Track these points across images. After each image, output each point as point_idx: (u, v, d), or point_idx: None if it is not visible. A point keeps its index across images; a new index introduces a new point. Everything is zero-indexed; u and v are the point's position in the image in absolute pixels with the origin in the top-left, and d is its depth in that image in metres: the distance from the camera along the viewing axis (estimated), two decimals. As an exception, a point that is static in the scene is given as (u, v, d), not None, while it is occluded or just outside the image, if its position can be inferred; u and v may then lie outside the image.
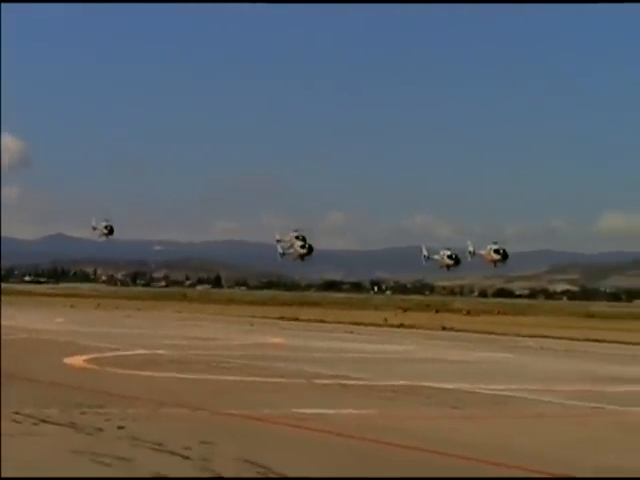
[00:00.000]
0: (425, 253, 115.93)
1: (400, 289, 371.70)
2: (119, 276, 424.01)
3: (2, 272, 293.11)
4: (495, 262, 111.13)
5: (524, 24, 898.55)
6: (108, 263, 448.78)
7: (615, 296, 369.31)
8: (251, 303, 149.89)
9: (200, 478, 11.87)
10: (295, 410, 22.18)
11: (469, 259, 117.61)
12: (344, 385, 29.18)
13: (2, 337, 41.63)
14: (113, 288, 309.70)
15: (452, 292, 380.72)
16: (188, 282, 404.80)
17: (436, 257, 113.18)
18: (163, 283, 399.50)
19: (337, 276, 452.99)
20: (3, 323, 53.03)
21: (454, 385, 30.08)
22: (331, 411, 22.46)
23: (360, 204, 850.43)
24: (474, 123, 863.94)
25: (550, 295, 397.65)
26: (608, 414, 24.66)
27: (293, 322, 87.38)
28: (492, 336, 71.41)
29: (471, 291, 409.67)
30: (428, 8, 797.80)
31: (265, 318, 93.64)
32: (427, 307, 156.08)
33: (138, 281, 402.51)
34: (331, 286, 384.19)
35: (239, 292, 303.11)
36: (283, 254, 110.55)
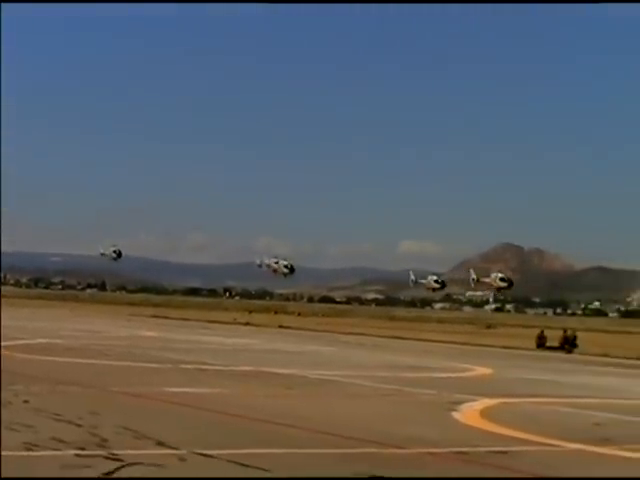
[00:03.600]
0: (412, 277, 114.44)
1: (247, 295, 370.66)
2: (24, 280, 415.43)
3: None
4: (500, 289, 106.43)
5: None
6: (15, 269, 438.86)
7: (412, 303, 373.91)
8: (129, 304, 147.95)
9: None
10: (165, 389, 21.99)
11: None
12: (203, 369, 29.02)
13: None
14: (19, 290, 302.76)
15: (287, 298, 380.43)
16: (80, 286, 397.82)
17: (423, 281, 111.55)
18: (60, 287, 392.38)
19: (197, 284, 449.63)
20: None
21: (289, 371, 30.14)
22: (193, 390, 22.32)
23: (217, 225, 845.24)
24: (301, 150, 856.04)
25: (362, 302, 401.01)
26: (406, 394, 24.94)
27: (163, 319, 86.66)
28: (318, 333, 71.81)
29: (301, 297, 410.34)
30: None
31: (140, 316, 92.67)
32: (268, 309, 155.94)
33: (39, 284, 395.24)
34: (192, 292, 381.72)
35: (120, 295, 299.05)
36: (273, 270, 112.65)
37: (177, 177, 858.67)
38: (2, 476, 10.98)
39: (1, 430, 14.19)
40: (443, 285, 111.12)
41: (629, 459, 15.55)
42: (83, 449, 13.15)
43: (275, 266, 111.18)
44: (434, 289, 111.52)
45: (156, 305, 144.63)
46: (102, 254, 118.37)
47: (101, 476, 11.46)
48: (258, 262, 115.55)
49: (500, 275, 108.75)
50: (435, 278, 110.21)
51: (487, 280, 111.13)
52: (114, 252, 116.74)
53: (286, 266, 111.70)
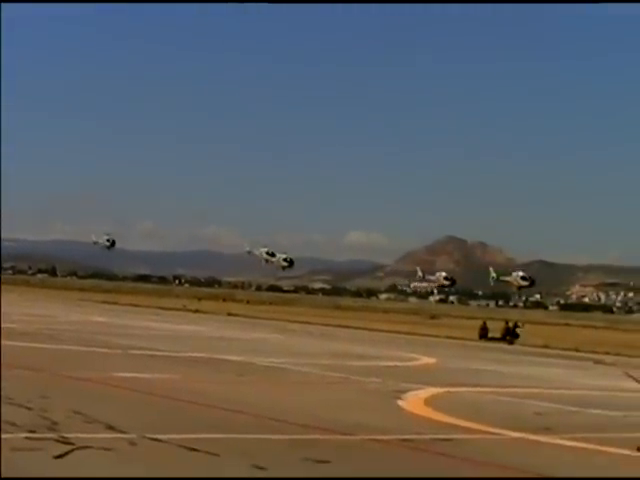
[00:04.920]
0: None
1: (196, 282, 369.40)
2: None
3: None
4: (521, 287, 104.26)
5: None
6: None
7: (357, 293, 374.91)
8: (80, 289, 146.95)
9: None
10: (114, 374, 21.83)
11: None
12: (152, 355, 28.88)
13: None
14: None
15: (235, 286, 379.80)
16: (30, 271, 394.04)
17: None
18: (10, 272, 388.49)
19: (147, 271, 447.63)
20: None
21: (238, 358, 30.07)
22: (142, 375, 22.19)
23: (166, 214, 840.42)
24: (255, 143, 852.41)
25: (309, 291, 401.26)
26: (353, 382, 25.00)
27: (113, 305, 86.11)
28: (266, 321, 71.75)
29: (250, 286, 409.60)
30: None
31: (91, 301, 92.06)
32: (217, 297, 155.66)
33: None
34: (142, 278, 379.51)
35: (71, 280, 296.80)
36: (266, 261, 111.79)
37: (127, 165, 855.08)
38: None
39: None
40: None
41: (569, 447, 15.70)
42: (34, 432, 13.02)
43: (273, 259, 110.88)
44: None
45: (106, 291, 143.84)
46: (95, 242, 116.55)
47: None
48: (247, 249, 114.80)
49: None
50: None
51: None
52: (107, 241, 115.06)
53: (285, 259, 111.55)
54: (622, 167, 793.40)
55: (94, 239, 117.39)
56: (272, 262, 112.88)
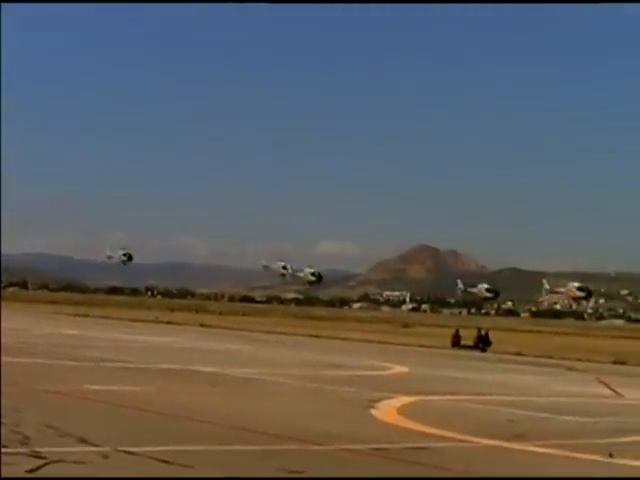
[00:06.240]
0: (460, 286, 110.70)
1: (168, 294, 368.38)
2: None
3: None
4: (577, 298, 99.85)
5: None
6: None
7: (330, 303, 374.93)
8: (51, 302, 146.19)
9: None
10: (87, 386, 21.75)
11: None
12: (125, 367, 28.78)
13: None
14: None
15: (208, 297, 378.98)
16: (2, 285, 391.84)
17: (474, 290, 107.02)
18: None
19: (119, 283, 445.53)
20: None
21: (211, 369, 30.03)
22: (115, 387, 22.11)
23: (138, 225, 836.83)
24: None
25: (282, 301, 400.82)
26: (326, 392, 25.00)
27: (85, 318, 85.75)
28: (239, 332, 71.63)
29: (222, 297, 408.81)
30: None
31: (62, 314, 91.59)
32: (189, 308, 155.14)
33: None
34: (114, 290, 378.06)
35: (42, 293, 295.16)
36: (289, 275, 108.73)
37: (98, 176, 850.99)
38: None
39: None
40: (497, 294, 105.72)
41: (541, 454, 15.76)
42: (6, 447, 12.93)
43: (300, 275, 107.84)
44: (486, 298, 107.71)
45: (78, 303, 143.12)
46: (109, 257, 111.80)
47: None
48: (264, 264, 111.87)
49: (576, 285, 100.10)
50: (487, 286, 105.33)
51: (563, 290, 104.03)
52: (124, 255, 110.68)
53: (313, 274, 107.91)
54: (591, 175, 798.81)
55: (108, 253, 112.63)
56: (291, 275, 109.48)
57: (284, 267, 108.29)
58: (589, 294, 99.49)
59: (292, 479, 12.27)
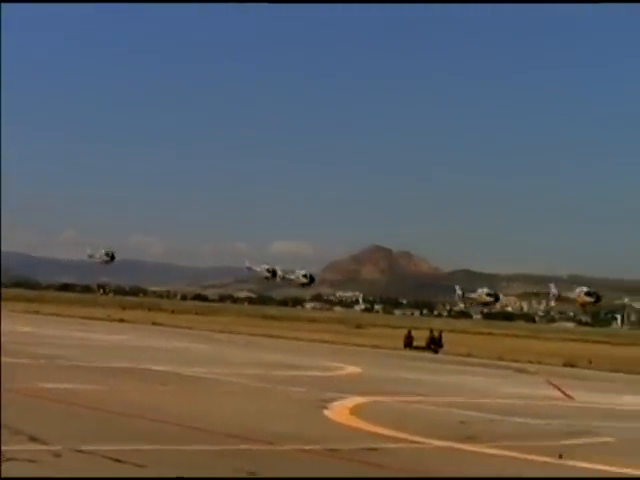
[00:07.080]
0: (459, 292, 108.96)
1: (121, 291, 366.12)
2: None
3: None
4: (586, 304, 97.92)
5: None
6: None
7: (283, 302, 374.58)
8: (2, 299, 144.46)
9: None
10: (40, 384, 21.62)
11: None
12: (77, 366, 28.63)
13: None
14: None
15: (160, 295, 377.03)
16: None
17: (473, 295, 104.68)
18: None
19: (71, 280, 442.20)
20: None
21: (163, 367, 29.93)
22: (67, 385, 21.99)
23: (90, 223, 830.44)
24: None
25: (235, 300, 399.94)
26: (278, 392, 25.00)
27: (36, 315, 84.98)
28: (191, 330, 71.38)
29: (175, 295, 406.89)
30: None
31: (13, 311, 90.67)
32: (141, 307, 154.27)
33: None
34: (66, 287, 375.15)
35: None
36: (283, 278, 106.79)
37: (51, 174, 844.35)
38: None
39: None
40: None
41: (492, 456, 15.90)
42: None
43: (292, 277, 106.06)
44: (486, 303, 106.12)
45: (29, 300, 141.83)
46: (90, 256, 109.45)
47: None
48: (247, 265, 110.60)
49: (585, 290, 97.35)
50: (487, 291, 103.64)
51: (570, 296, 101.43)
52: (106, 254, 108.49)
53: (305, 275, 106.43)
54: (546, 176, 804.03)
55: (89, 252, 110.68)
56: (282, 278, 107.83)
57: (268, 270, 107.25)
58: (598, 299, 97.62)
59: (246, 479, 12.30)
